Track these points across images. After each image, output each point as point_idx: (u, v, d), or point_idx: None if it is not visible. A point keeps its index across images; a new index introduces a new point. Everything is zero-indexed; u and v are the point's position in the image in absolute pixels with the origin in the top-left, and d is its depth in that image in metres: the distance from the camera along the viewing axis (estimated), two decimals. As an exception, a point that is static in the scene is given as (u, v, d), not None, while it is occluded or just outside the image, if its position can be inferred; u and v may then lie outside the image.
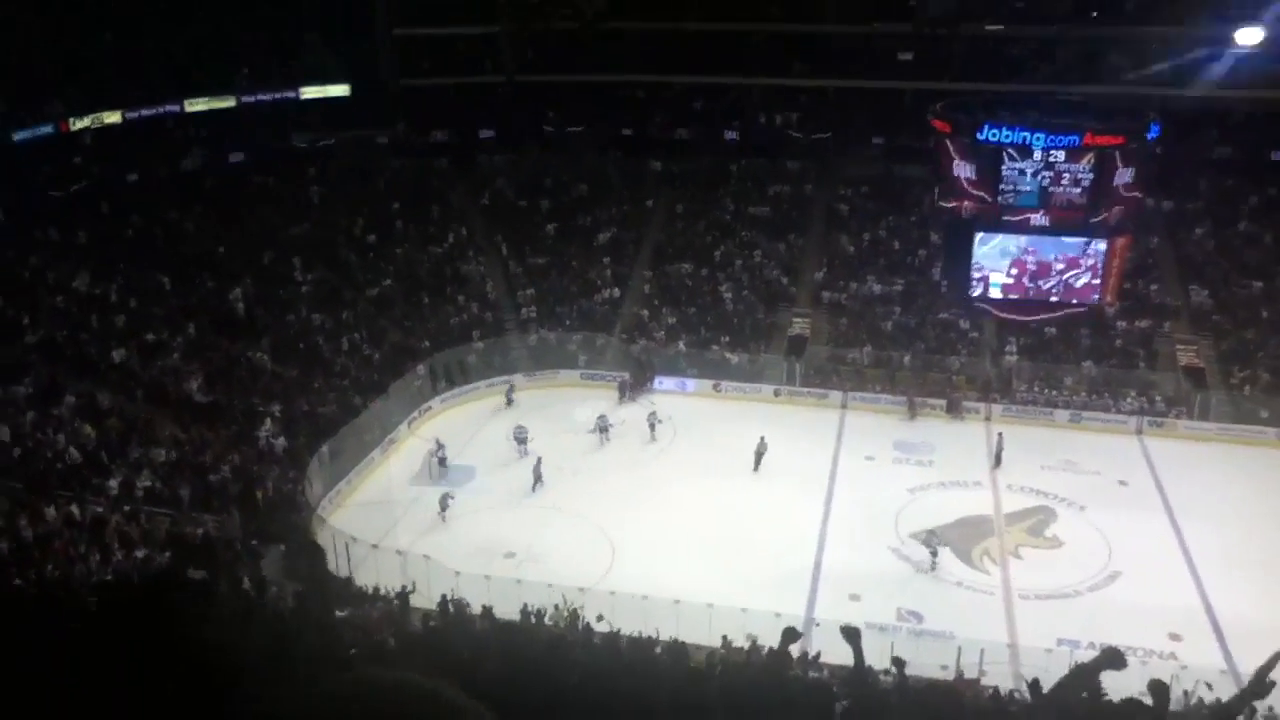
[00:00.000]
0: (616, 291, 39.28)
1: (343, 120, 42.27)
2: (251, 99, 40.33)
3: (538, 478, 28.73)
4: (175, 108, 38.17)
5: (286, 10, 40.63)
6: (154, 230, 35.25)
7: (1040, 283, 27.93)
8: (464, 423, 32.70)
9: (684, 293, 39.11)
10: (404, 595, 21.45)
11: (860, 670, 6.30)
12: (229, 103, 39.75)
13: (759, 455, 30.35)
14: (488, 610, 20.81)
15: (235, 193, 38.54)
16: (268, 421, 28.28)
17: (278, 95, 41.11)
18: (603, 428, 31.60)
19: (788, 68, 43.62)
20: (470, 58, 45.12)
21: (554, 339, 37.24)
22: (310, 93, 41.91)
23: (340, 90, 42.49)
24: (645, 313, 38.49)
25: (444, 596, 20.74)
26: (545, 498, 28.19)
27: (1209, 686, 19.39)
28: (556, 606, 21.34)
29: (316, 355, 32.71)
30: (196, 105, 38.71)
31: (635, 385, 35.45)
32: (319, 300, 35.23)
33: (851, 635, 6.00)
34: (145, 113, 36.98)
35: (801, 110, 44.28)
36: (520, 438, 30.69)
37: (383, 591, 21.79)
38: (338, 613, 20.00)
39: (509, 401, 34.12)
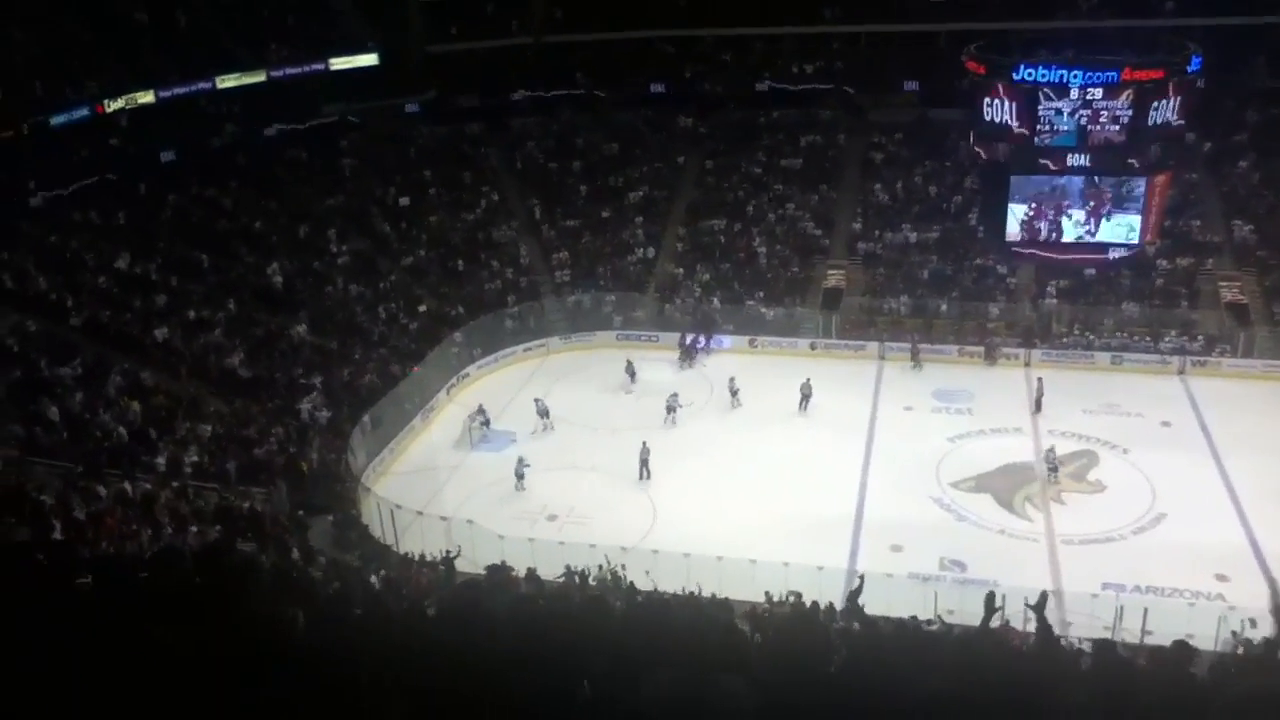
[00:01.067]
0: (650, 251, 39.25)
1: (373, 90, 42.32)
2: (281, 73, 40.48)
3: (644, 464, 27.51)
4: (207, 85, 38.41)
5: (312, -18, 40.75)
6: (191, 208, 35.70)
7: (1072, 226, 27.40)
8: (501, 388, 32.96)
9: (717, 249, 38.97)
10: (449, 560, 21.90)
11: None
12: (260, 77, 39.87)
13: (805, 396, 30.68)
14: (532, 573, 21.17)
15: (269, 167, 38.85)
16: (310, 394, 28.72)
17: (307, 68, 41.19)
18: (671, 407, 30.42)
19: (818, 15, 42.94)
20: (497, 20, 44.93)
21: (589, 301, 37.35)
22: (339, 64, 41.90)
23: (369, 60, 42.47)
24: (679, 270, 38.44)
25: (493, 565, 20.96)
26: (585, 458, 28.38)
27: (1253, 624, 19.39)
28: (600, 567, 21.60)
29: (354, 326, 33.11)
30: (228, 81, 38.86)
31: (704, 343, 35.38)
32: (355, 271, 35.60)
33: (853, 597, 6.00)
34: (178, 91, 37.27)
35: (833, 58, 43.62)
36: (541, 410, 30.28)
37: (428, 557, 22.23)
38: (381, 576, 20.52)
39: (633, 377, 33.22)
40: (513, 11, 44.91)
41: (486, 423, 30.03)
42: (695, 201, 40.93)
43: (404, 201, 39.74)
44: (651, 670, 5.08)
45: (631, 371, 33.42)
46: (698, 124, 43.73)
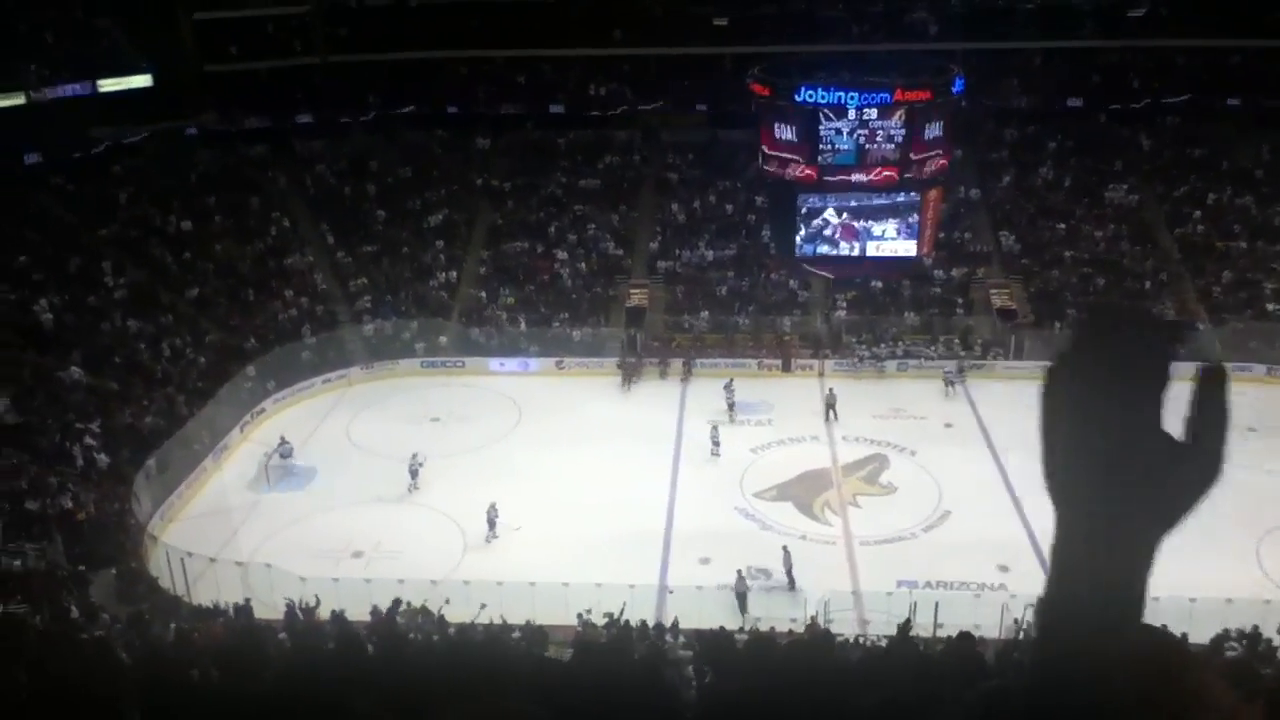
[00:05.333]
0: (453, 274, 38.73)
1: (147, 112, 40.08)
2: (44, 95, 37.77)
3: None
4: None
5: (76, -2, 38.25)
6: (-58, 243, 32.76)
7: (855, 241, 28.90)
8: (300, 422, 31.67)
9: (520, 271, 38.87)
10: (245, 608, 20.87)
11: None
12: (18, 100, 37.10)
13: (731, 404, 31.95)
14: (338, 615, 20.41)
15: (33, 197, 36.11)
16: (85, 438, 26.79)
17: (73, 90, 38.60)
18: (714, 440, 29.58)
19: (608, 38, 43.54)
20: (278, 39, 43.40)
21: (390, 328, 36.44)
22: (109, 85, 39.45)
23: (142, 81, 40.16)
24: (483, 294, 38.12)
25: (289, 603, 20.11)
26: (390, 490, 27.66)
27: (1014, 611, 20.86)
28: (409, 603, 21.09)
29: (136, 364, 31.12)
30: (-25, 103, 35.98)
31: (633, 368, 34.87)
32: (134, 305, 33.48)
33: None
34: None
35: (625, 80, 44.34)
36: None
37: (223, 605, 21.11)
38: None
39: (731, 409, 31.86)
40: (294, 31, 43.47)
41: (289, 453, 28.90)
42: (496, 224, 40.70)
43: (186, 236, 37.59)
44: (447, 707, 4.97)
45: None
46: (495, 145, 43.54)
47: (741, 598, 23.14)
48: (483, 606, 20.25)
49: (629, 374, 34.49)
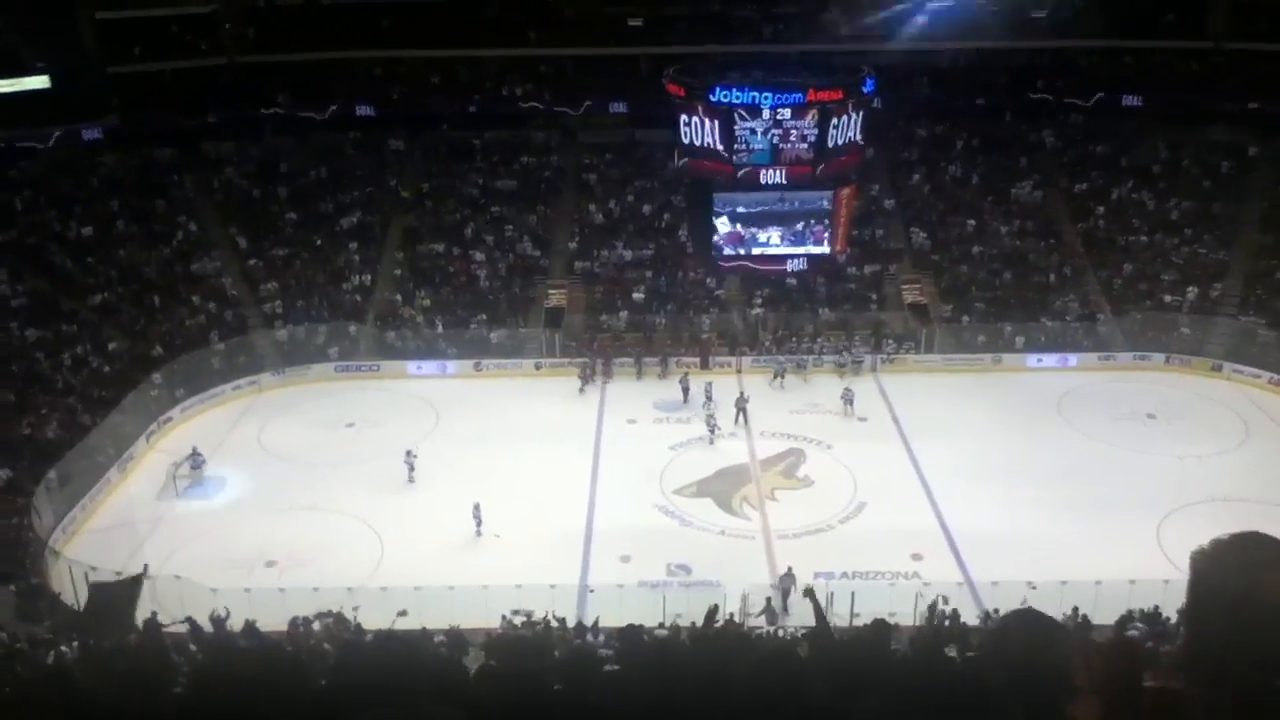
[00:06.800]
0: (367, 278, 38.14)
1: (46, 115, 38.70)
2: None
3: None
4: None
5: (-37, -4, 36.75)
6: None
7: (739, 248, 29.09)
8: (209, 430, 30.96)
9: (437, 273, 38.46)
10: (153, 621, 20.25)
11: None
12: (-96, 101, 35.63)
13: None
14: (251, 625, 19.93)
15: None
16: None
17: (-38, 91, 37.12)
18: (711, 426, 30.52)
19: (524, 38, 43.31)
20: (184, 40, 42.27)
21: (302, 333, 35.77)
22: (3, 86, 38.07)
23: (39, 82, 38.78)
24: (399, 297, 37.62)
25: (190, 620, 19.54)
26: (302, 497, 27.18)
27: (945, 600, 21.31)
28: (328, 609, 20.71)
29: (35, 374, 30.08)
30: None
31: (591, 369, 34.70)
32: (33, 313, 32.36)
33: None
34: None
35: (542, 81, 44.14)
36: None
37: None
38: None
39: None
40: (200, 31, 42.39)
41: (200, 464, 28.19)
42: (412, 225, 40.20)
43: (88, 242, 36.40)
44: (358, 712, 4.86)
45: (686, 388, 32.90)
46: (410, 146, 43.01)
47: (784, 595, 22.42)
48: (402, 613, 19.91)
49: (586, 375, 34.32)
